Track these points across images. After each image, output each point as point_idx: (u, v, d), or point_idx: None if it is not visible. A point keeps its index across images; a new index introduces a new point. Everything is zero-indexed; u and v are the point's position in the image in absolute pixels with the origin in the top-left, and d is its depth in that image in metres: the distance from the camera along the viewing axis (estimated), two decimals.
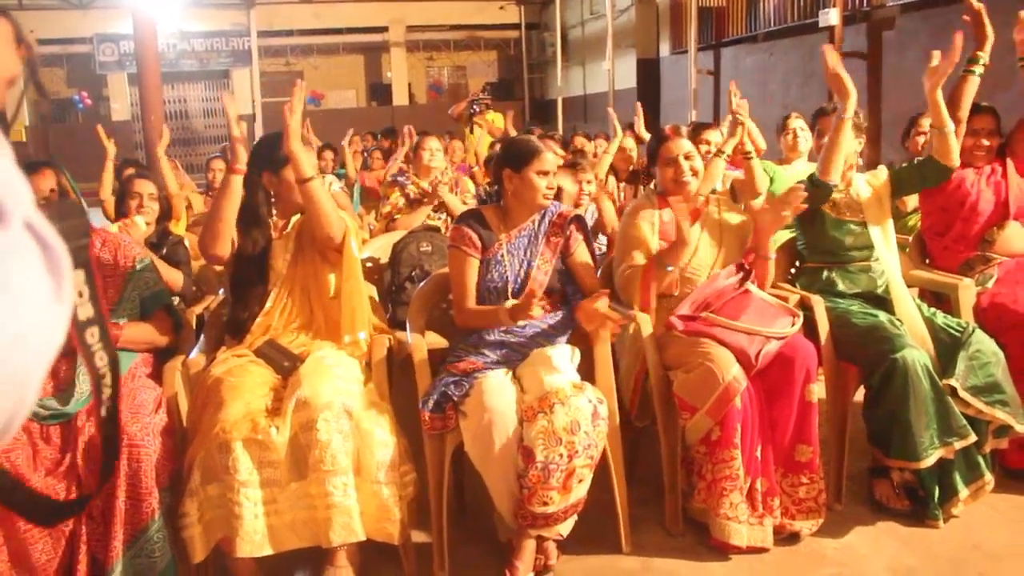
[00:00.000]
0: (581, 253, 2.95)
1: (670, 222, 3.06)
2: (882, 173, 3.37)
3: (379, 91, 20.94)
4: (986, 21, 3.24)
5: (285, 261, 2.89)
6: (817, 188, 3.13)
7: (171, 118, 19.88)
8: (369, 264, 4.05)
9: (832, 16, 8.73)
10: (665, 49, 14.14)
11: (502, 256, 2.85)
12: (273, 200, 2.92)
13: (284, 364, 2.75)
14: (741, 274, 2.98)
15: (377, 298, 3.61)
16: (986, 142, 3.47)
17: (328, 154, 6.16)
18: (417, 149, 4.99)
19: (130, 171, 4.73)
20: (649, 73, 14.60)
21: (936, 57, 3.09)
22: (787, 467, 2.80)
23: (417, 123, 10.97)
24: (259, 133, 18.60)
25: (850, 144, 3.21)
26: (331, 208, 2.75)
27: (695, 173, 3.08)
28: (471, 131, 9.13)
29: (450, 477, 2.75)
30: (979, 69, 3.26)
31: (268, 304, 2.86)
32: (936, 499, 2.86)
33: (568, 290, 2.94)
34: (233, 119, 2.73)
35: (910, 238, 3.78)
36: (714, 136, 4.43)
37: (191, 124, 19.79)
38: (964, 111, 3.31)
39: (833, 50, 3.16)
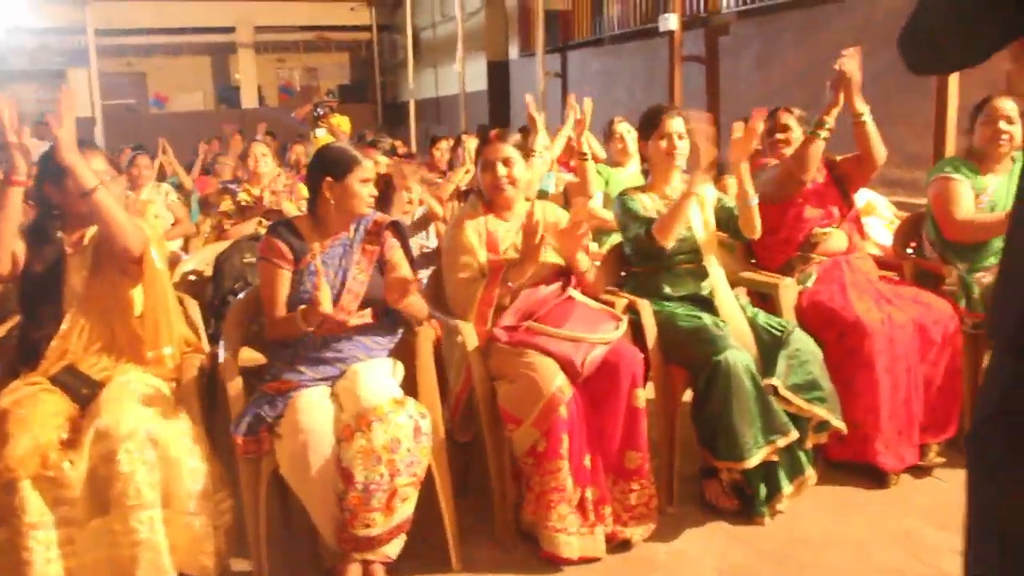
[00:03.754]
0: (398, 259, 2.85)
1: (495, 231, 3.01)
2: (711, 193, 3.38)
3: (228, 93, 20.26)
4: (838, 87, 3.29)
5: (82, 278, 2.66)
6: (652, 242, 3.13)
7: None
8: (193, 277, 3.84)
9: (672, 21, 8.94)
10: (514, 52, 14.23)
11: (314, 268, 2.72)
12: (57, 213, 2.69)
13: (83, 392, 2.54)
14: (562, 280, 2.95)
15: (198, 313, 3.42)
16: (781, 136, 3.64)
17: (142, 160, 5.85)
18: (245, 155, 4.78)
19: None
20: (499, 75, 14.66)
21: (738, 129, 3.08)
22: (617, 474, 2.79)
23: (268, 126, 10.65)
24: (100, 137, 17.68)
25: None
26: (124, 218, 2.56)
27: (512, 181, 3.02)
28: (315, 135, 8.92)
29: (268, 502, 2.61)
30: (824, 133, 3.33)
31: (64, 326, 2.63)
32: (762, 497, 2.91)
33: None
34: (8, 123, 2.48)
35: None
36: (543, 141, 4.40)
37: (25, 126, 18.61)
38: (810, 173, 3.41)
39: (706, 122, 3.15)
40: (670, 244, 3.13)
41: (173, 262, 4.12)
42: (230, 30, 19.23)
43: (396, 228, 2.90)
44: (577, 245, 2.95)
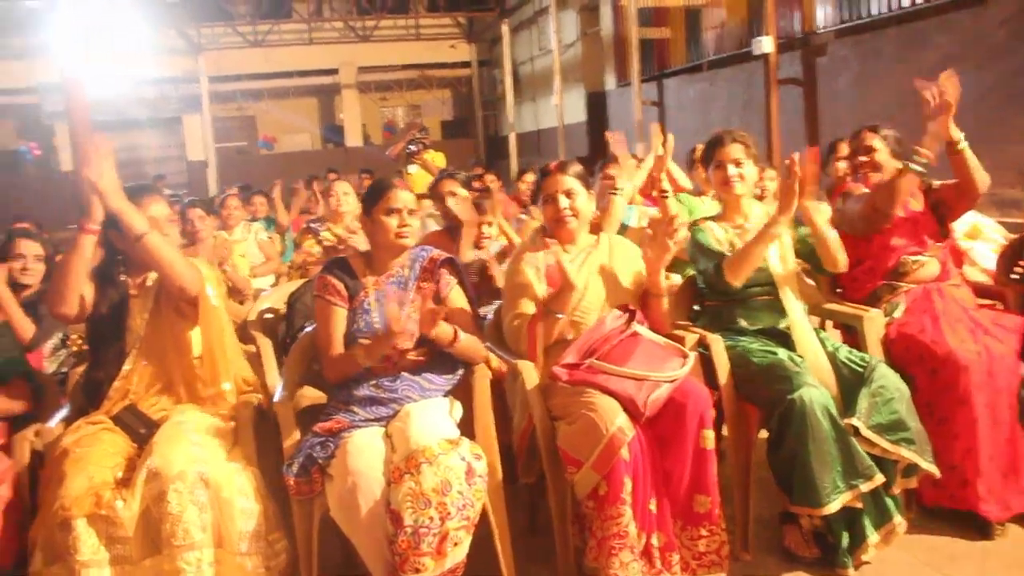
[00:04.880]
0: (455, 297, 2.80)
1: (556, 264, 2.93)
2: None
3: (333, 133, 20.86)
4: (932, 117, 3.06)
5: (143, 320, 2.72)
6: (720, 279, 3.01)
7: (123, 166, 19.65)
8: (269, 315, 3.87)
9: (766, 44, 8.74)
10: (611, 82, 14.16)
11: (369, 304, 2.69)
12: (120, 258, 2.75)
13: (141, 431, 2.58)
14: (627, 316, 2.84)
15: (271, 350, 3.44)
16: (865, 158, 3.40)
17: (258, 199, 6.01)
18: (326, 194, 4.84)
19: (24, 225, 4.53)
20: (597, 106, 14.61)
21: (787, 172, 2.89)
22: (685, 519, 2.64)
23: (372, 163, 10.86)
24: (212, 179, 18.45)
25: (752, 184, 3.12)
26: (176, 259, 2.60)
27: (575, 213, 2.93)
28: (409, 171, 9.00)
29: (322, 544, 2.56)
30: (919, 168, 3.11)
31: (126, 366, 2.68)
32: (845, 546, 2.70)
33: None
34: (94, 172, 2.51)
35: None
36: (617, 171, 4.30)
37: (143, 171, 19.55)
38: (895, 208, 3.21)
39: (812, 163, 2.97)
40: (740, 284, 2.98)
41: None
42: (334, 72, 19.80)
43: (452, 265, 2.85)
44: (663, 253, 2.82)
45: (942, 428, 2.89)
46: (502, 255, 4.17)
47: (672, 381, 2.64)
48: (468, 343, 2.71)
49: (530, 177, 6.88)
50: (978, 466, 2.85)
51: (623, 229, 4.15)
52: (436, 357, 2.75)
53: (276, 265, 5.67)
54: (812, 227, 2.97)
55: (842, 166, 4.70)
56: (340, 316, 2.70)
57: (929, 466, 2.73)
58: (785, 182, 2.90)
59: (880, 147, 3.43)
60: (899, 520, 2.76)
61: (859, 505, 2.67)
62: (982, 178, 3.16)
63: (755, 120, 9.25)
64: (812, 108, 8.71)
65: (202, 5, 17.91)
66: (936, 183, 3.39)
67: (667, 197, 3.96)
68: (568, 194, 2.93)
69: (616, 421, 2.51)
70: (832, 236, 2.97)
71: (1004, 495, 2.87)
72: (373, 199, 2.78)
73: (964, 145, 3.12)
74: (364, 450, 2.44)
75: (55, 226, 8.24)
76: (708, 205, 4.66)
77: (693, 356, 2.77)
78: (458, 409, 2.71)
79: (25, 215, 5.64)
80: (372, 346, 2.58)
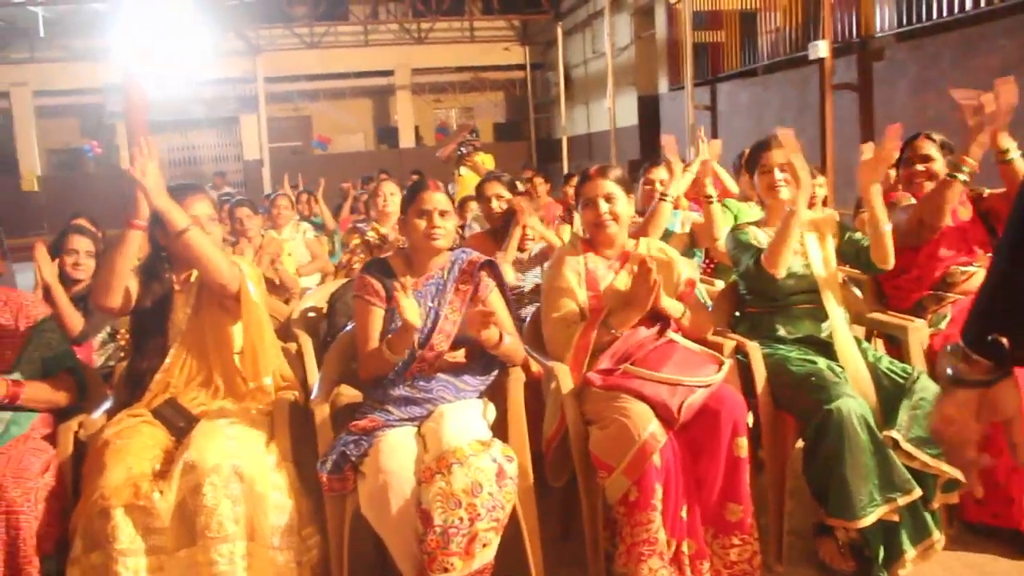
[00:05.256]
0: (493, 300, 2.81)
1: (595, 269, 2.92)
2: (831, 223, 3.18)
3: (387, 134, 21.03)
4: (975, 127, 3.01)
5: (186, 314, 2.79)
6: (762, 272, 2.99)
7: (182, 164, 20.15)
8: (312, 314, 3.92)
9: (822, 48, 8.62)
10: (664, 86, 14.07)
11: None
12: (165, 255, 2.82)
13: (180, 425, 2.63)
14: (660, 323, 2.82)
15: (311, 349, 3.48)
16: (920, 167, 3.32)
17: (281, 201, 6.08)
18: (374, 194, 4.88)
19: (80, 221, 4.65)
20: (649, 110, 14.52)
21: (868, 150, 2.89)
22: (717, 527, 2.62)
23: (424, 165, 10.92)
24: (267, 177, 18.75)
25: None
26: (217, 256, 2.66)
27: (615, 218, 2.92)
28: (460, 173, 9.05)
29: (353, 540, 2.59)
30: (964, 176, 3.05)
31: (168, 360, 2.75)
32: (881, 560, 2.66)
33: None
34: (139, 170, 2.58)
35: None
36: (661, 174, 4.28)
37: (201, 169, 19.94)
38: (944, 221, 3.15)
39: (791, 136, 2.99)
40: (781, 273, 2.95)
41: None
42: (389, 73, 19.98)
43: (491, 268, 2.86)
44: (652, 298, 2.76)
45: (987, 444, 2.81)
46: (541, 257, 4.18)
47: (707, 387, 2.62)
48: (510, 345, 2.73)
49: (537, 182, 6.88)
50: (1023, 484, 2.78)
51: (667, 235, 4.12)
52: (472, 358, 2.76)
53: (323, 264, 5.74)
54: (871, 214, 2.92)
55: (893, 173, 4.61)
56: (377, 316, 2.73)
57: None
58: (789, 159, 2.90)
59: (936, 156, 3.36)
60: (938, 536, 2.70)
61: (896, 519, 2.62)
62: None
63: (809, 126, 9.11)
64: (868, 114, 8.56)
65: (261, 7, 18.19)
66: (986, 191, 3.32)
67: (712, 203, 3.93)
68: (608, 198, 2.92)
69: (648, 427, 2.50)
70: (887, 229, 2.92)
71: None
72: (407, 200, 2.83)
73: (1015, 156, 3.04)
74: (396, 449, 2.46)
75: (115, 223, 8.44)
76: (754, 210, 4.61)
77: (729, 363, 2.75)
78: (492, 411, 2.72)
79: (84, 212, 5.77)
80: (394, 340, 2.60)
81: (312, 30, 19.23)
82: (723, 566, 2.61)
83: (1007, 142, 3.03)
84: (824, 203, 5.45)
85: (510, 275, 3.76)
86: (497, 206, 4.14)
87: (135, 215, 2.67)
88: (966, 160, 3.04)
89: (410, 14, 19.56)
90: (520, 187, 5.68)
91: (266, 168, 19.00)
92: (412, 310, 2.55)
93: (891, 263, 2.99)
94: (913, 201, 3.35)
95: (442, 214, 2.76)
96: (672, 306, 2.87)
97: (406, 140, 20.34)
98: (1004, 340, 1.28)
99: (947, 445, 1.39)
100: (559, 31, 18.03)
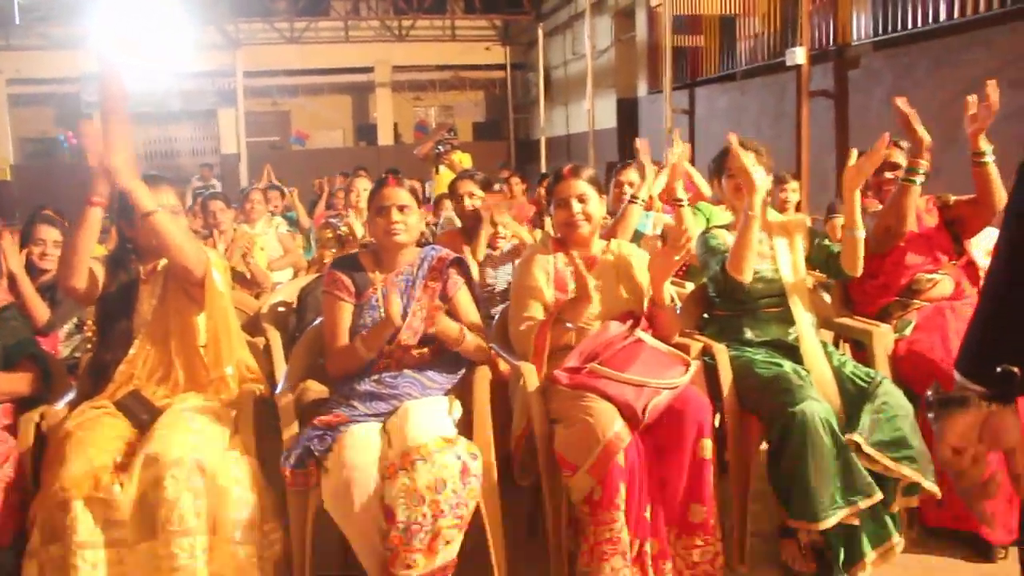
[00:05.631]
0: (462, 298, 2.81)
1: (565, 269, 2.93)
2: (801, 228, 3.20)
3: (366, 131, 20.94)
4: (918, 127, 3.09)
5: (151, 306, 2.77)
6: (727, 276, 3.01)
7: (159, 156, 19.96)
8: (282, 308, 3.91)
9: (799, 55, 8.66)
10: (643, 89, 14.11)
11: (377, 300, 2.71)
12: (131, 247, 2.80)
13: (143, 417, 2.61)
14: (630, 322, 2.83)
15: (279, 343, 3.47)
16: (889, 175, 3.35)
17: (255, 195, 6.04)
18: (348, 190, 4.87)
19: (47, 212, 4.60)
20: (628, 112, 14.55)
21: (853, 156, 2.94)
22: (680, 528, 2.63)
23: (402, 162, 10.88)
24: (243, 172, 18.61)
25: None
26: (184, 240, 2.64)
27: (588, 218, 2.93)
28: (437, 171, 9.05)
29: (316, 536, 2.58)
30: (919, 178, 3.11)
31: (132, 351, 2.72)
32: (841, 562, 2.68)
33: None
34: (92, 149, 2.57)
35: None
36: (632, 176, 4.30)
37: (179, 163, 19.76)
38: (908, 224, 3.19)
39: (737, 143, 3.02)
40: (747, 278, 2.98)
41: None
42: (369, 70, 19.88)
43: (460, 265, 2.86)
44: (669, 268, 2.81)
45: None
46: (513, 254, 4.18)
47: (672, 388, 2.63)
48: (474, 342, 2.73)
49: (514, 182, 6.90)
50: None
51: (637, 236, 4.14)
52: (439, 355, 2.76)
53: (295, 259, 5.71)
54: (848, 218, 2.95)
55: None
56: (346, 311, 2.73)
57: (931, 486, 2.69)
58: (738, 164, 2.93)
59: (904, 163, 3.39)
60: (897, 539, 2.72)
61: (856, 522, 2.64)
62: (1000, 194, 3.13)
63: (786, 131, 9.17)
64: (843, 121, 8.62)
65: (241, 1, 18.07)
66: (952, 199, 3.36)
67: (682, 206, 3.94)
68: (581, 199, 2.93)
69: (613, 427, 2.50)
70: (861, 235, 2.96)
71: (1007, 519, 2.82)
72: (369, 198, 2.85)
73: (990, 159, 3.09)
74: (360, 444, 2.46)
75: None
76: (726, 214, 4.64)
77: (696, 364, 2.77)
78: (458, 408, 2.72)
79: (58, 202, 5.71)
80: (370, 336, 2.61)
81: (292, 25, 19.09)
82: (685, 566, 2.62)
83: (985, 145, 3.08)
84: (797, 208, 5.50)
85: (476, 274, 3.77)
86: (469, 204, 4.14)
87: (93, 192, 2.61)
88: (918, 163, 3.08)
89: (391, 11, 19.48)
90: (497, 187, 5.69)
91: (243, 163, 18.84)
92: (396, 306, 2.55)
93: (860, 270, 3.02)
94: (880, 207, 3.38)
95: (401, 209, 2.76)
96: (667, 291, 2.89)
97: (385, 137, 20.25)
98: (1016, 370, 1.27)
99: (962, 476, 1.37)
100: (540, 32, 18.02)
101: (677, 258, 2.75)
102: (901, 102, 3.13)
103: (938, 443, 1.35)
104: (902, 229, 3.18)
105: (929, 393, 1.39)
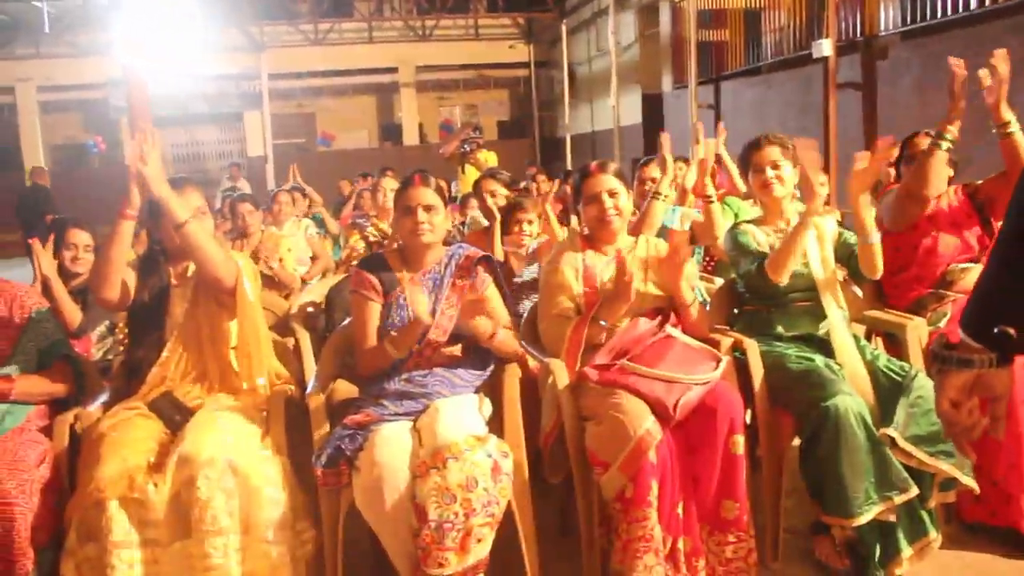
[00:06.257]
0: (491, 295, 2.81)
1: (593, 266, 2.91)
2: (831, 227, 3.16)
3: (391, 131, 21.00)
4: (958, 92, 3.05)
5: (183, 308, 2.79)
6: (763, 278, 2.97)
7: (186, 160, 20.13)
8: (311, 309, 3.92)
9: (825, 47, 8.59)
10: (668, 84, 14.04)
11: (404, 299, 2.71)
12: (159, 248, 2.83)
13: (175, 418, 2.63)
14: (660, 318, 2.81)
15: (309, 344, 3.48)
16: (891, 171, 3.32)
17: (283, 197, 6.07)
18: (374, 190, 4.88)
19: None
20: (653, 108, 14.47)
21: (861, 159, 2.87)
22: (713, 524, 2.61)
23: (428, 162, 10.89)
24: (271, 174, 18.73)
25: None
26: (214, 250, 2.66)
27: (619, 212, 2.92)
28: (463, 171, 9.05)
29: (348, 535, 2.58)
30: (946, 144, 3.07)
31: (164, 353, 2.75)
32: (876, 559, 2.65)
33: None
34: (134, 156, 2.57)
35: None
36: (654, 172, 4.28)
37: (205, 166, 19.92)
38: (931, 189, 3.14)
39: (812, 149, 2.97)
40: (784, 281, 2.94)
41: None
42: (393, 70, 19.94)
43: (488, 263, 2.85)
44: (678, 275, 2.81)
45: (985, 442, 2.79)
46: (539, 253, 4.17)
47: (703, 384, 2.61)
48: (505, 339, 2.72)
49: (540, 179, 6.88)
50: (1022, 482, 2.77)
51: (663, 231, 4.11)
52: (468, 353, 2.76)
53: (326, 263, 5.72)
54: (858, 225, 2.89)
55: (892, 172, 4.60)
56: (374, 310, 2.73)
57: (968, 480, 2.65)
58: (815, 171, 2.88)
59: None
60: (934, 535, 2.68)
61: (892, 518, 2.61)
62: None
63: (812, 124, 9.09)
64: (871, 113, 8.53)
65: (265, 3, 18.17)
66: (979, 181, 3.31)
67: (712, 202, 3.91)
68: (611, 194, 2.91)
69: (644, 423, 2.49)
70: (876, 240, 2.90)
71: None
72: (395, 198, 2.85)
73: (1015, 129, 3.04)
74: (391, 443, 2.46)
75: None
76: (755, 209, 4.60)
77: (726, 360, 2.74)
78: (488, 406, 2.72)
79: (88, 207, 5.76)
80: (400, 336, 2.61)
81: (316, 27, 19.19)
82: (719, 563, 2.61)
83: (1008, 114, 3.03)
84: (826, 201, 5.44)
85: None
86: (493, 203, 4.14)
87: (126, 204, 2.66)
88: (947, 128, 3.04)
89: (414, 11, 19.54)
90: (523, 184, 5.69)
91: (270, 165, 18.96)
92: (422, 305, 2.56)
93: (878, 274, 2.96)
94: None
95: (427, 209, 2.76)
96: (686, 292, 2.86)
97: (410, 137, 20.30)
98: (1011, 331, 1.30)
99: (958, 429, 1.41)
100: (563, 29, 18.00)
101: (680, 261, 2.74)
102: (955, 62, 3.06)
103: (937, 395, 1.41)
104: (924, 193, 3.13)
105: (934, 346, 1.44)
